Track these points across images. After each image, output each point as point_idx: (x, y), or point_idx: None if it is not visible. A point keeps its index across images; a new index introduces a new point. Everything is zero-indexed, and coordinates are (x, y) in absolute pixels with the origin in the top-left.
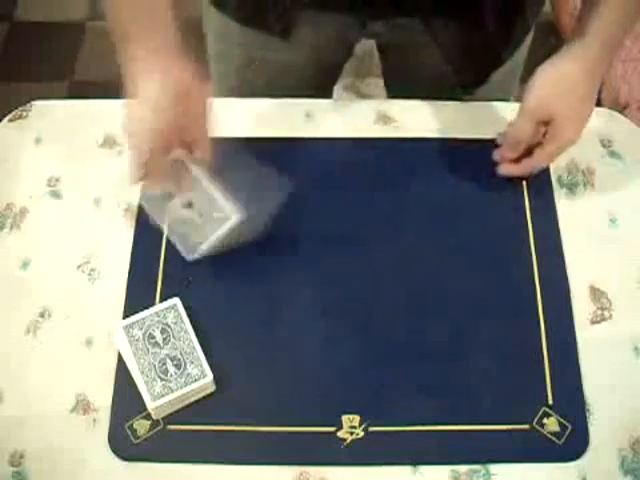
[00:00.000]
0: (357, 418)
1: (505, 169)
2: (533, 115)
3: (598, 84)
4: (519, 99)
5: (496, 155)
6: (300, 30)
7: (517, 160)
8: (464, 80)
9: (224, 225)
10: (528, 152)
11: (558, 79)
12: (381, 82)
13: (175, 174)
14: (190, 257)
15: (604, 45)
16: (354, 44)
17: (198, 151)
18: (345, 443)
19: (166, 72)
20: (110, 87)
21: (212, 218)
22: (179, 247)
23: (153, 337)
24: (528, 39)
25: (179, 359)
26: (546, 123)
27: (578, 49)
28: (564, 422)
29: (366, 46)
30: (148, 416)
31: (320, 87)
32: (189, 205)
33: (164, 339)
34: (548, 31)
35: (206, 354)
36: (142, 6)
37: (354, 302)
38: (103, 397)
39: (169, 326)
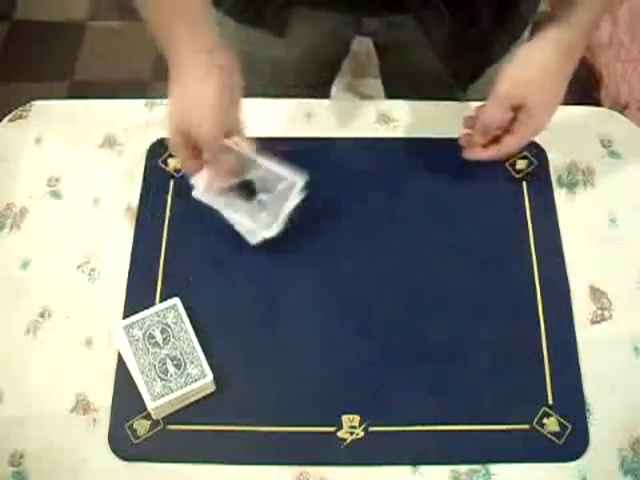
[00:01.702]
0: (357, 418)
1: (472, 153)
2: (505, 100)
3: (572, 69)
4: None
5: (463, 140)
6: (296, 27)
7: (484, 145)
8: (459, 76)
9: (292, 192)
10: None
11: (531, 63)
12: (380, 82)
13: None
14: (257, 239)
15: (580, 29)
16: (350, 41)
17: (239, 135)
18: (345, 443)
19: (207, 67)
20: (110, 87)
21: (278, 191)
22: (244, 234)
23: (153, 337)
24: (526, 35)
25: (179, 359)
26: (516, 108)
27: (553, 33)
28: (564, 422)
29: (364, 46)
30: (148, 416)
31: (318, 84)
32: (247, 188)
33: (164, 339)
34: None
35: (206, 354)
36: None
37: (354, 302)
38: (103, 397)
39: (169, 326)
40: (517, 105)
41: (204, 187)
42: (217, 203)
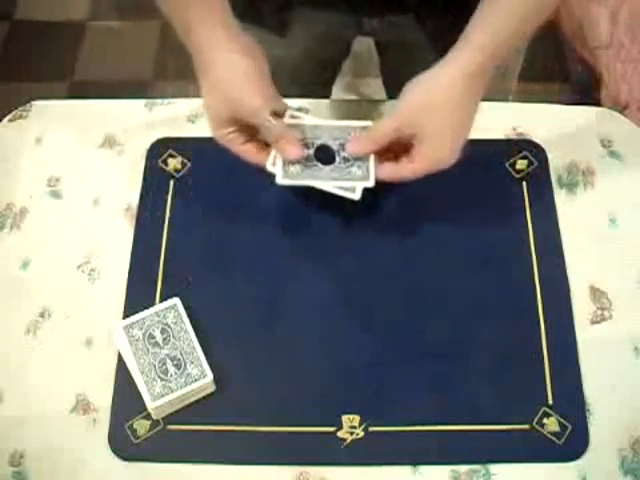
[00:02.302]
0: (357, 418)
1: (354, 150)
2: (399, 122)
3: (477, 97)
4: (517, 98)
5: (350, 146)
6: (296, 26)
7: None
8: None
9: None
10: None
11: (429, 89)
12: (381, 82)
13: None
14: (359, 194)
15: (492, 56)
16: (351, 41)
17: (282, 111)
18: (345, 443)
19: (239, 46)
20: (110, 87)
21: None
22: (344, 194)
23: (153, 337)
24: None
25: (179, 359)
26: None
27: (457, 58)
28: (564, 422)
29: (365, 45)
30: (148, 416)
31: (318, 83)
32: (325, 152)
33: (164, 339)
34: (547, 28)
35: (206, 354)
36: None
37: (354, 302)
38: (103, 397)
39: (169, 326)
40: (409, 132)
41: (283, 169)
42: (305, 179)
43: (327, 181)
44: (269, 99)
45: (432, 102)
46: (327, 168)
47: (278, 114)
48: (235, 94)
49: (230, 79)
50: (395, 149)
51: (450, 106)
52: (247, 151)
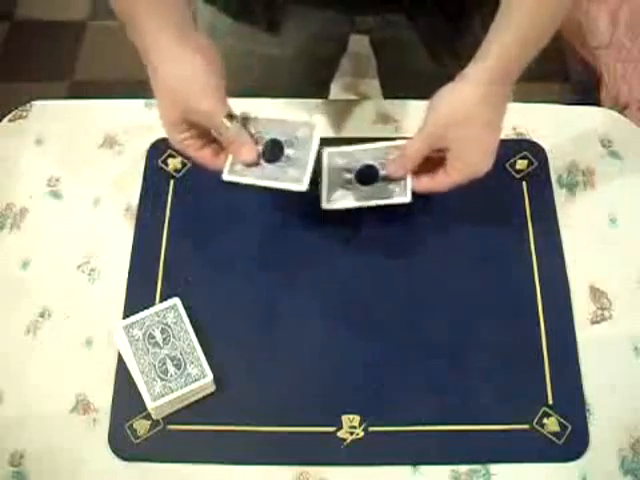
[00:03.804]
0: (357, 418)
1: (393, 172)
2: (430, 139)
3: (503, 103)
4: (517, 98)
5: (390, 168)
6: (288, 24)
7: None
8: (451, 76)
9: (313, 137)
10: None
11: (454, 106)
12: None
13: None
14: (302, 187)
15: (505, 68)
16: (345, 39)
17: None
18: (345, 443)
19: (195, 51)
20: (110, 87)
21: (298, 141)
22: (289, 187)
23: (153, 337)
24: None
25: (179, 359)
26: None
27: (478, 73)
28: (564, 422)
29: (364, 45)
30: (148, 416)
31: (316, 82)
32: (274, 147)
33: (164, 339)
34: None
35: (206, 354)
36: None
37: (354, 302)
38: (103, 397)
39: (169, 326)
40: (440, 148)
41: (230, 166)
42: (248, 177)
43: (269, 181)
44: (223, 101)
45: (459, 118)
46: (368, 188)
47: (232, 115)
48: (190, 98)
49: (184, 83)
50: (431, 159)
51: (477, 119)
52: (203, 157)
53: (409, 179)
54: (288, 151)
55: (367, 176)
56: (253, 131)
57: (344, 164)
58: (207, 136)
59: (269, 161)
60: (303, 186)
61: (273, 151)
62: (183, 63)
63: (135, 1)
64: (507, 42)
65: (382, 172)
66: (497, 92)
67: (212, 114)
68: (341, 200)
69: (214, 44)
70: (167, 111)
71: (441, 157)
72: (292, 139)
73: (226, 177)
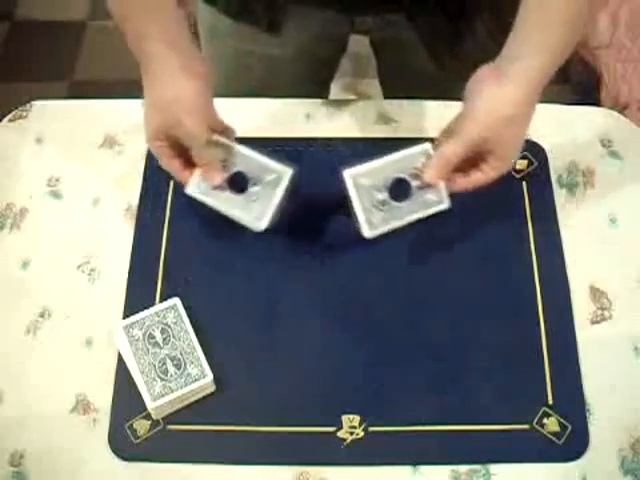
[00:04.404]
0: (357, 418)
1: (433, 179)
2: (471, 143)
3: (536, 102)
4: None
5: (429, 175)
6: (289, 25)
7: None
8: (451, 75)
9: (281, 184)
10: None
11: (498, 108)
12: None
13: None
14: (260, 227)
15: (546, 67)
16: (345, 39)
17: (219, 130)
18: (345, 443)
19: (188, 68)
20: (110, 87)
21: (266, 183)
22: (244, 222)
23: (153, 337)
24: None
25: (179, 359)
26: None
27: (519, 73)
28: (564, 422)
29: (364, 46)
30: (148, 416)
31: (316, 82)
32: (239, 180)
33: (164, 339)
34: None
35: (206, 354)
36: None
37: (354, 302)
38: (103, 397)
39: (169, 326)
40: (484, 151)
41: (197, 183)
42: (211, 199)
43: (230, 209)
44: (206, 124)
45: (503, 121)
46: (405, 204)
47: (211, 140)
48: (177, 116)
49: (174, 101)
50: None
51: (520, 119)
52: (173, 166)
53: (442, 184)
54: (251, 188)
55: (401, 191)
56: (226, 158)
57: (371, 184)
58: (181, 148)
59: (234, 191)
60: (261, 226)
61: (239, 183)
62: (180, 89)
63: (141, 17)
64: (549, 41)
65: (413, 183)
66: (537, 90)
67: (194, 136)
68: (383, 224)
69: (206, 59)
70: (152, 120)
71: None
72: (259, 179)
73: (189, 191)
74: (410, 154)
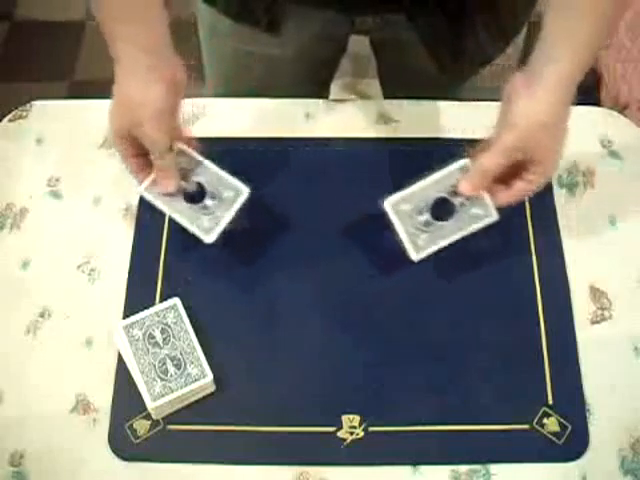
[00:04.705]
0: (357, 418)
1: (470, 190)
2: (511, 152)
3: (569, 109)
4: None
5: (463, 186)
6: (289, 25)
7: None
8: (452, 76)
9: (236, 202)
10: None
11: (534, 115)
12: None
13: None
14: (208, 240)
15: (578, 70)
16: (345, 39)
17: (183, 139)
18: (345, 443)
19: (157, 71)
20: (110, 87)
21: (224, 198)
22: (194, 232)
23: (153, 337)
24: (521, 35)
25: (179, 359)
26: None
27: (552, 76)
28: (564, 422)
29: (364, 46)
30: (148, 416)
31: (316, 82)
32: (196, 190)
33: (164, 339)
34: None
35: (206, 354)
36: (134, 3)
37: (354, 302)
38: (103, 397)
39: (169, 326)
40: (523, 159)
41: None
42: (161, 203)
43: (177, 215)
44: (170, 134)
45: (539, 127)
46: (450, 222)
47: (172, 147)
48: (137, 117)
49: (139, 105)
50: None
51: (556, 123)
52: (132, 165)
53: (487, 196)
54: (207, 201)
55: (444, 210)
56: (186, 166)
57: (412, 208)
58: (142, 149)
59: (188, 200)
60: (210, 238)
61: (195, 194)
62: (142, 85)
63: (117, 19)
64: (580, 43)
65: (456, 201)
66: (570, 92)
67: (155, 141)
68: (430, 244)
69: (182, 64)
70: (117, 119)
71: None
72: (216, 193)
73: (142, 192)
74: (448, 172)
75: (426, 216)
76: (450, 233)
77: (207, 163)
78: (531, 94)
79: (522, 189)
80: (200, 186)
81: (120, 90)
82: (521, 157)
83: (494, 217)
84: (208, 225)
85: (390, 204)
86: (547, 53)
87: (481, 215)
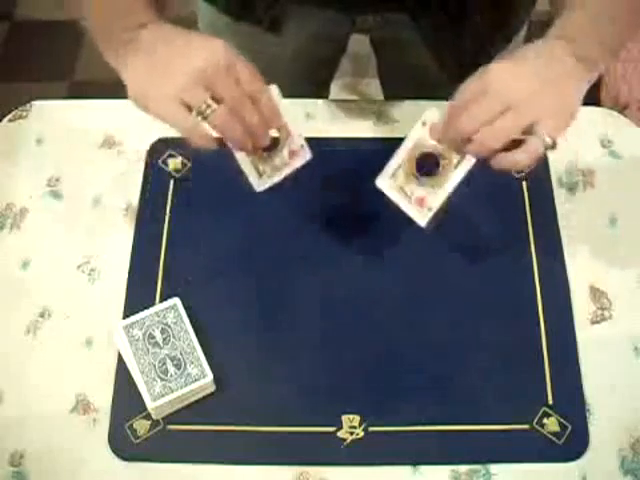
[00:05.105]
0: (357, 418)
1: (437, 136)
2: (471, 91)
3: (570, 69)
4: None
5: (431, 133)
6: (290, 24)
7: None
8: (453, 75)
9: (298, 157)
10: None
11: (505, 61)
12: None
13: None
14: (261, 188)
15: (572, 30)
16: (346, 39)
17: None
18: (345, 443)
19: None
20: (110, 87)
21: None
22: (250, 179)
23: (153, 337)
24: (522, 34)
25: (179, 359)
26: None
27: (550, 33)
28: (564, 422)
29: (364, 45)
30: (148, 416)
31: (316, 82)
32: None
33: (164, 339)
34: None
35: (206, 354)
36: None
37: (354, 302)
38: (103, 397)
39: (169, 326)
40: (497, 104)
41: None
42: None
43: (451, 181)
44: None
45: (503, 69)
46: (440, 172)
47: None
48: (230, 61)
49: (222, 44)
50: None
51: (528, 65)
52: (235, 129)
53: (278, 176)
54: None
55: (430, 165)
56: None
57: (402, 178)
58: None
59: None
60: (262, 186)
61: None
62: (195, 36)
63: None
64: (574, 15)
65: (435, 151)
66: (562, 46)
67: (254, 74)
68: (435, 202)
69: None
70: (197, 58)
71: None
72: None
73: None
74: (415, 131)
75: (416, 180)
76: (445, 182)
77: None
78: (509, 54)
79: (516, 153)
80: (274, 139)
81: (194, 37)
82: (494, 104)
83: (472, 160)
84: (265, 175)
85: (381, 183)
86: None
87: (460, 161)
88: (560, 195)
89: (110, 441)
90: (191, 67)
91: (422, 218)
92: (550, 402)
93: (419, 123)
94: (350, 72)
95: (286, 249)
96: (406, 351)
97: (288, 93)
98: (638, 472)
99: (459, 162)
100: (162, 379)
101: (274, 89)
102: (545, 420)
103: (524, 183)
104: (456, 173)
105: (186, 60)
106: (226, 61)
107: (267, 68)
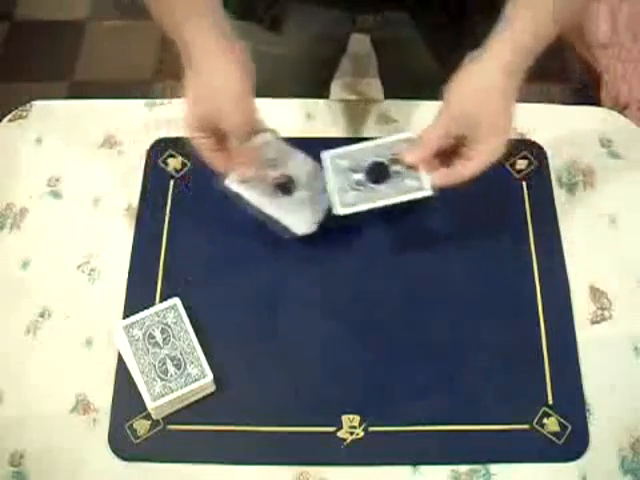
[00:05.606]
0: (357, 418)
1: (411, 159)
2: (449, 122)
3: (518, 86)
4: (517, 98)
5: (405, 155)
6: (291, 23)
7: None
8: (451, 76)
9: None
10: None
11: (474, 81)
12: (380, 82)
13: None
14: (303, 231)
15: (524, 42)
16: (346, 39)
17: (259, 123)
18: (345, 443)
19: (230, 52)
20: (110, 87)
21: (314, 188)
22: (285, 224)
23: (153, 337)
24: None
25: (179, 359)
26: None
27: (493, 46)
28: (564, 422)
29: (364, 45)
30: (148, 416)
31: (316, 82)
32: (286, 182)
33: (164, 339)
34: None
35: (206, 354)
36: None
37: (354, 302)
38: (103, 397)
39: (169, 326)
40: (469, 127)
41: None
42: (251, 195)
43: (272, 208)
44: (251, 118)
45: (477, 96)
46: (382, 187)
47: (254, 122)
48: (222, 106)
49: (221, 89)
50: (442, 156)
51: (494, 93)
52: (215, 158)
53: (423, 171)
54: (394, 167)
55: (378, 174)
56: (274, 156)
57: (348, 165)
58: (220, 141)
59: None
60: (428, 191)
61: (287, 185)
62: (224, 67)
63: (176, 7)
64: (530, 17)
65: (392, 169)
66: (516, 61)
67: (238, 125)
68: (357, 203)
69: (245, 46)
70: (196, 108)
71: (453, 152)
72: (308, 183)
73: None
74: (391, 140)
75: (360, 176)
76: (380, 197)
77: (295, 152)
78: (472, 65)
79: (460, 170)
80: (290, 177)
81: (198, 79)
82: (462, 131)
83: (429, 191)
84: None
85: (328, 156)
86: (498, 26)
87: (414, 187)
88: (560, 195)
89: (110, 441)
90: (200, 111)
91: (341, 207)
92: (550, 402)
93: (402, 137)
94: (350, 72)
95: (286, 249)
96: (406, 351)
97: (288, 93)
98: (638, 472)
99: (407, 189)
100: (162, 379)
101: (269, 135)
102: (545, 420)
103: (524, 183)
104: (395, 197)
105: (201, 100)
106: (230, 107)
107: (267, 68)
